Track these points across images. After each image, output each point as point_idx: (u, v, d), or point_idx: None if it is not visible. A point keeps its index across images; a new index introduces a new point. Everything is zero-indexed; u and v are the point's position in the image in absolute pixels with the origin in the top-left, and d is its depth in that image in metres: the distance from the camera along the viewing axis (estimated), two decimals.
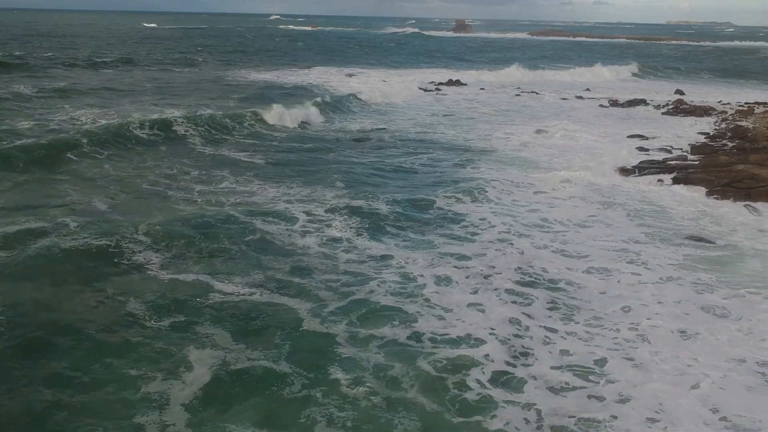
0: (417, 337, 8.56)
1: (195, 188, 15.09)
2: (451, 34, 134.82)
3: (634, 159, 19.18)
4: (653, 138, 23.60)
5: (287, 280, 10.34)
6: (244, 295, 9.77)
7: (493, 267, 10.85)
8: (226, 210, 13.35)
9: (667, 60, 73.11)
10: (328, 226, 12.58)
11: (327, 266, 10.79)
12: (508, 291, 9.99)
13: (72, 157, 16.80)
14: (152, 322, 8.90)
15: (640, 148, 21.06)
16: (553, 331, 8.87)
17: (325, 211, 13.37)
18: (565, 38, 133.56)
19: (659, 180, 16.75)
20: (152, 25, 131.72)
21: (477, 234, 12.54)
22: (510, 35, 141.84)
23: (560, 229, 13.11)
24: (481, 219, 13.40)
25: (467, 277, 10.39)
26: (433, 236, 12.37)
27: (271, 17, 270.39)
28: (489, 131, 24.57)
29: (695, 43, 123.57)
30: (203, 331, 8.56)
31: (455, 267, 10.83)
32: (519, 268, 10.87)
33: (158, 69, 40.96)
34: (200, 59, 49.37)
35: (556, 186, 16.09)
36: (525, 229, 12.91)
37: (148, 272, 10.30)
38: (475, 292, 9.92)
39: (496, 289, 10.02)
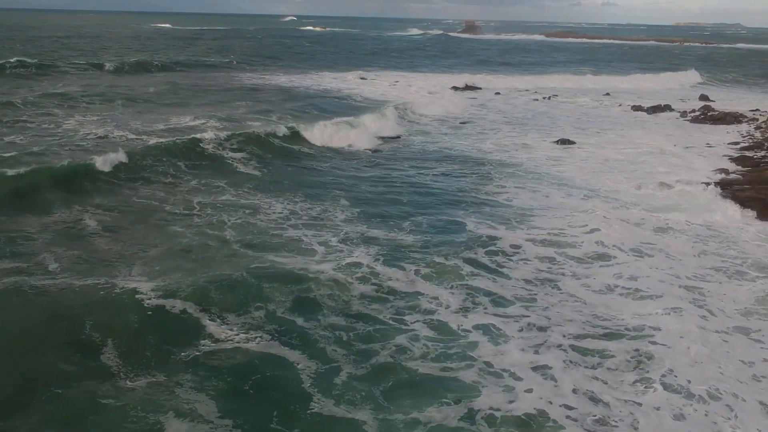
0: (475, 419, 6.67)
1: (195, 208, 13.66)
2: (474, 36, 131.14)
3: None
4: (683, 147, 21.99)
5: (290, 320, 8.87)
6: (238, 342, 8.30)
7: (549, 318, 9.15)
8: (228, 234, 11.95)
9: (718, 66, 67.93)
10: (342, 251, 11.10)
11: (338, 304, 9.25)
12: (575, 349, 8.25)
13: (87, 181, 14.44)
14: (127, 381, 7.45)
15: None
16: (635, 405, 7.09)
17: (339, 236, 11.94)
18: (583, 40, 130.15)
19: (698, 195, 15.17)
20: (166, 25, 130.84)
21: (513, 267, 10.87)
22: (521, 36, 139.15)
23: (614, 257, 11.42)
24: (514, 246, 11.76)
25: (520, 330, 8.67)
26: (460, 263, 10.78)
27: (285, 18, 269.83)
28: (507, 141, 22.96)
29: (712, 45, 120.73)
30: (185, 396, 7.07)
31: (498, 315, 9.19)
32: (577, 314, 9.21)
33: (173, 73, 39.19)
34: (229, 62, 47.64)
35: (597, 206, 14.40)
36: (573, 263, 11.15)
37: (135, 307, 8.89)
38: (538, 352, 8.13)
39: (560, 346, 8.26)
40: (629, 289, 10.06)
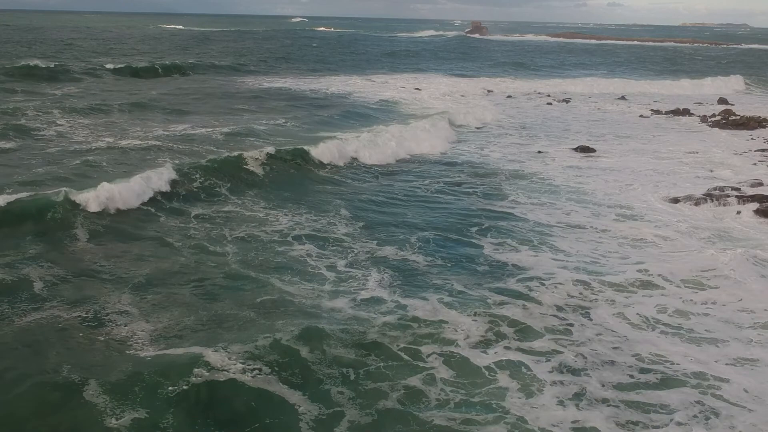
0: None
1: (192, 221, 12.78)
2: (482, 36, 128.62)
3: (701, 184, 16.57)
4: (711, 155, 20.94)
5: (295, 349, 7.96)
6: (234, 374, 7.42)
7: (585, 358, 8.00)
8: (229, 250, 11.09)
9: (732, 67, 63.60)
10: (355, 278, 10.22)
11: (354, 334, 8.30)
12: (626, 404, 7.00)
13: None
14: (113, 418, 6.60)
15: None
16: None
17: (347, 259, 11.09)
18: (595, 41, 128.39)
19: (738, 212, 14.13)
20: (178, 26, 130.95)
21: (541, 294, 9.69)
22: (532, 37, 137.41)
23: (661, 287, 10.01)
24: (548, 273, 10.46)
25: (550, 372, 7.57)
26: (483, 293, 9.68)
27: (295, 19, 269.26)
28: (520, 148, 21.84)
29: (722, 47, 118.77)
30: None
31: (525, 351, 8.14)
32: (616, 352, 8.10)
33: (191, 77, 38.11)
34: (244, 65, 46.34)
35: (633, 228, 12.95)
36: (612, 292, 9.87)
37: (122, 339, 8.06)
38: (579, 406, 6.89)
39: (606, 402, 7.00)
40: (678, 328, 8.88)
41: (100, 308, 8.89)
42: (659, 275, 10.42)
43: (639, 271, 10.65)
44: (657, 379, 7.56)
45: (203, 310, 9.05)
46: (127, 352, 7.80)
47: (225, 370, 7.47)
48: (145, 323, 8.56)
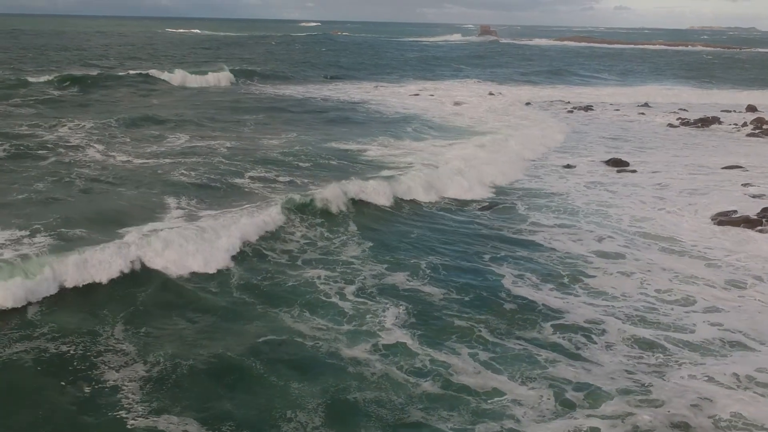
0: None
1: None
2: (516, 41, 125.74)
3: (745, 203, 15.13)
4: (754, 168, 19.45)
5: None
6: None
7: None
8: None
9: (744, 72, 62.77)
10: (378, 315, 8.96)
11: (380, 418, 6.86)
12: None
13: None
14: None
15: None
16: None
17: (356, 284, 9.84)
18: (608, 46, 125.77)
19: None
20: (194, 30, 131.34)
21: (590, 348, 8.29)
22: (543, 41, 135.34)
23: (748, 347, 8.39)
24: (593, 320, 9.04)
25: None
26: (525, 347, 8.29)
27: (309, 24, 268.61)
28: (539, 161, 20.29)
29: (733, 50, 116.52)
30: None
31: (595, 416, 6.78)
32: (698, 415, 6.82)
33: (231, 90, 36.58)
34: (279, 72, 44.90)
35: (692, 268, 11.05)
36: (684, 350, 8.28)
37: (112, 396, 6.84)
38: None
39: None
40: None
41: (90, 342, 7.79)
42: (740, 332, 8.79)
43: (713, 324, 8.98)
44: None
45: (202, 348, 7.83)
46: (112, 414, 6.51)
47: None
48: (142, 365, 7.35)
